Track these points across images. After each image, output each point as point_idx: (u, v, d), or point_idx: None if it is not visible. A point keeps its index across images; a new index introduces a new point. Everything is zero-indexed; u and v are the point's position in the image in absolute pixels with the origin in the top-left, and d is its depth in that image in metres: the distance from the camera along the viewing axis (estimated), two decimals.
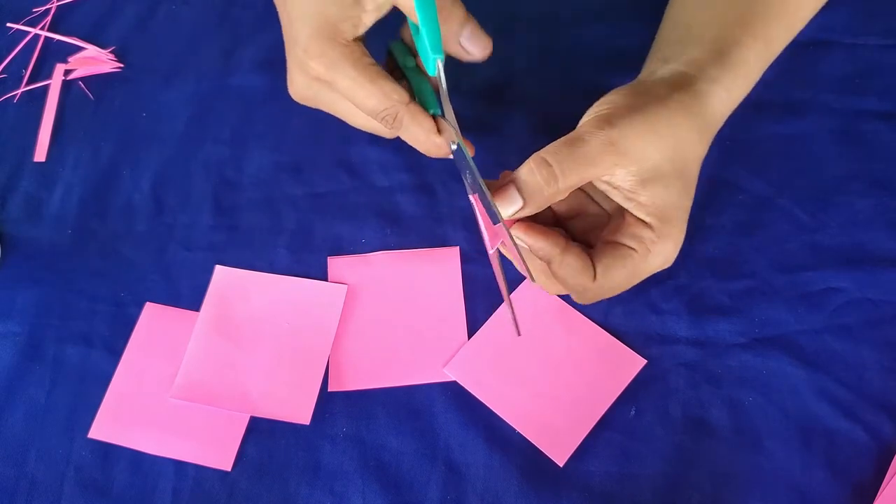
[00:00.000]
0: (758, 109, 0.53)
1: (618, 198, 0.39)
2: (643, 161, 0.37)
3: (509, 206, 0.37)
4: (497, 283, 0.39)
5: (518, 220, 0.38)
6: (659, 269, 0.40)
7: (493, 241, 0.37)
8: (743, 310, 0.46)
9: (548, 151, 0.37)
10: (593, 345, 0.45)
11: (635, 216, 0.39)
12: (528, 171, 0.37)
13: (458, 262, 0.48)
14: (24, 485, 0.43)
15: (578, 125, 0.39)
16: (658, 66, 0.43)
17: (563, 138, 0.38)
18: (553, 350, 0.45)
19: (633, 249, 0.38)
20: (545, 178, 0.37)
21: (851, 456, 0.42)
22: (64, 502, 0.42)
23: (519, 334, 0.39)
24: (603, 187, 0.40)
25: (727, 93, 0.42)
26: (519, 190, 0.37)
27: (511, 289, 0.47)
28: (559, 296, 0.47)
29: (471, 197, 0.38)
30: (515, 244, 0.36)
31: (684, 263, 0.48)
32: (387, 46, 0.44)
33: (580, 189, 0.41)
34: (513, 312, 0.39)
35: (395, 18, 0.42)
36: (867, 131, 0.52)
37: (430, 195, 0.51)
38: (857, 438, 0.42)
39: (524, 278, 0.47)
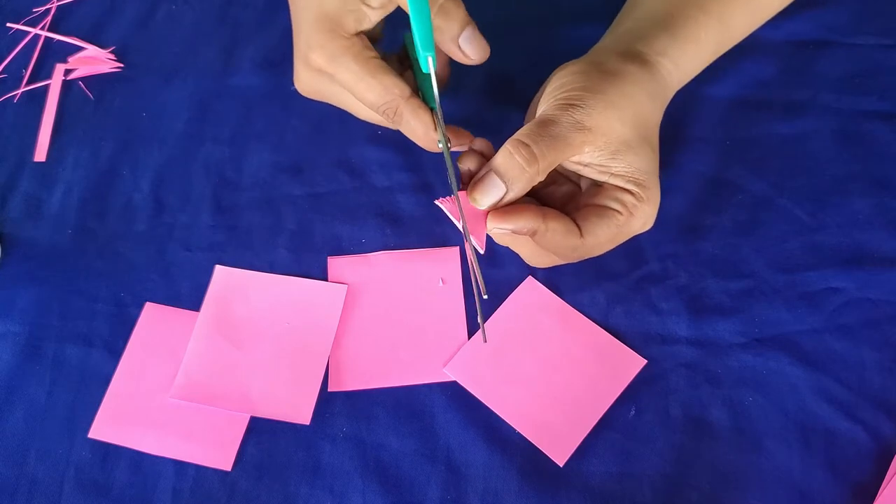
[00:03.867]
0: (758, 109, 0.53)
1: (592, 174, 0.40)
2: (609, 135, 0.39)
3: (493, 194, 0.37)
4: (472, 287, 0.39)
5: (494, 210, 0.38)
6: (639, 232, 0.41)
7: (481, 241, 0.37)
8: (743, 310, 0.46)
9: (522, 134, 0.38)
10: (593, 345, 0.45)
11: (613, 185, 0.40)
12: (507, 155, 0.37)
13: (458, 262, 0.48)
14: (24, 485, 0.43)
15: (541, 111, 0.40)
16: (610, 40, 0.45)
17: (532, 122, 0.39)
18: (553, 350, 0.45)
19: (618, 211, 0.40)
20: (525, 158, 0.37)
21: (851, 456, 0.42)
22: (64, 502, 0.42)
23: (485, 341, 0.41)
24: (574, 168, 0.41)
25: (674, 65, 0.44)
26: (500, 176, 0.37)
27: (510, 289, 0.47)
28: (559, 296, 0.47)
29: (437, 202, 0.38)
30: (476, 257, 0.36)
31: (684, 263, 0.48)
32: (402, 37, 0.44)
33: None
34: (483, 321, 0.39)
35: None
36: (867, 131, 0.52)
37: (430, 195, 0.51)
38: (857, 438, 0.42)
39: (522, 278, 0.48)
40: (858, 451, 0.42)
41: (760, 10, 0.49)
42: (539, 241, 0.39)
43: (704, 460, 0.42)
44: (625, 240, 0.41)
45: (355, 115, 0.44)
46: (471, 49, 0.40)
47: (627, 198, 0.40)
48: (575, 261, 0.42)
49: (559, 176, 0.43)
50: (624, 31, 0.45)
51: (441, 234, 0.50)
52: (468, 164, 0.39)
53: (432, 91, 0.40)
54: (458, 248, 0.49)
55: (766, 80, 0.54)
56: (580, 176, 0.42)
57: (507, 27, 0.57)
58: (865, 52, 0.55)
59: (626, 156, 0.39)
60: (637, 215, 0.40)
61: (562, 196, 0.43)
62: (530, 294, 0.47)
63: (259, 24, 0.59)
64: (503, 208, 0.38)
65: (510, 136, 0.38)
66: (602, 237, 0.40)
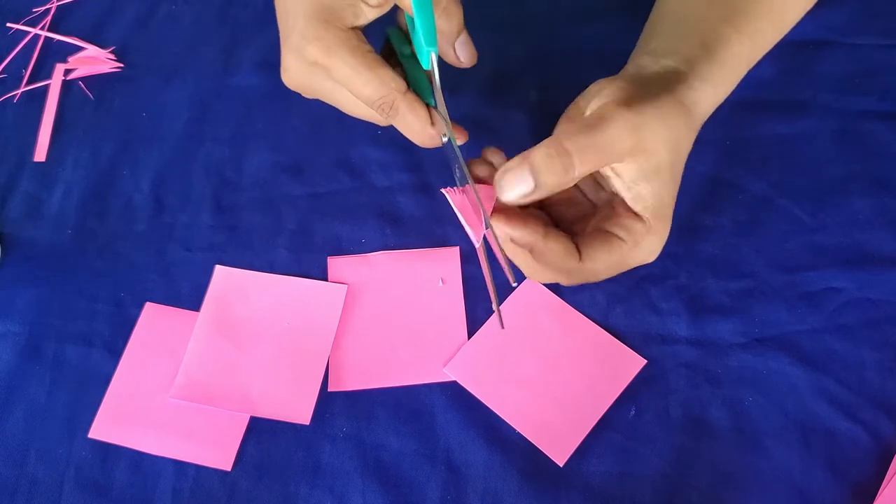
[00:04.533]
0: (758, 109, 0.53)
1: (618, 185, 0.39)
2: (652, 155, 0.38)
3: (519, 189, 0.37)
4: (484, 276, 0.39)
5: (499, 209, 0.38)
6: (643, 263, 0.41)
7: (478, 235, 0.37)
8: (743, 310, 0.46)
9: (568, 137, 0.36)
10: (593, 345, 0.45)
11: (629, 208, 0.39)
12: (546, 157, 0.36)
13: (458, 262, 0.48)
14: (24, 485, 0.43)
15: (595, 108, 0.39)
16: (648, 59, 0.44)
17: (582, 123, 0.37)
18: (553, 350, 0.45)
19: (623, 240, 0.39)
20: (564, 166, 0.36)
21: (851, 456, 0.42)
22: (64, 502, 0.42)
23: (503, 327, 0.40)
24: (606, 172, 0.40)
25: (714, 90, 0.43)
26: (533, 173, 0.36)
27: (510, 288, 0.47)
28: (559, 296, 0.47)
29: (443, 191, 0.38)
30: (499, 243, 0.36)
31: (684, 263, 0.48)
32: (384, 32, 0.44)
33: None
34: (497, 306, 0.39)
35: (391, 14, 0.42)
36: (867, 131, 0.52)
37: (430, 195, 0.51)
38: (857, 438, 0.42)
39: (522, 278, 0.47)
40: (858, 451, 0.42)
41: (785, 22, 0.48)
42: (536, 258, 0.39)
43: (704, 460, 0.42)
44: (627, 269, 0.40)
45: (343, 109, 0.43)
46: (463, 53, 0.40)
47: (637, 226, 0.39)
48: (573, 284, 0.41)
49: (577, 191, 0.43)
50: (660, 51, 0.44)
51: (441, 234, 0.50)
52: (479, 172, 0.39)
53: (429, 87, 0.40)
54: (458, 248, 0.49)
55: (766, 80, 0.54)
56: (600, 193, 0.42)
57: (507, 26, 0.57)
58: (865, 52, 0.55)
59: (654, 182, 0.38)
60: (643, 245, 0.39)
61: (575, 215, 0.42)
62: (530, 294, 0.47)
63: (259, 24, 0.59)
64: (509, 210, 0.38)
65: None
66: (602, 264, 0.39)
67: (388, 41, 0.43)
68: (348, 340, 0.46)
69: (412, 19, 0.37)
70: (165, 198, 0.52)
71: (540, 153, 0.36)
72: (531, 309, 0.47)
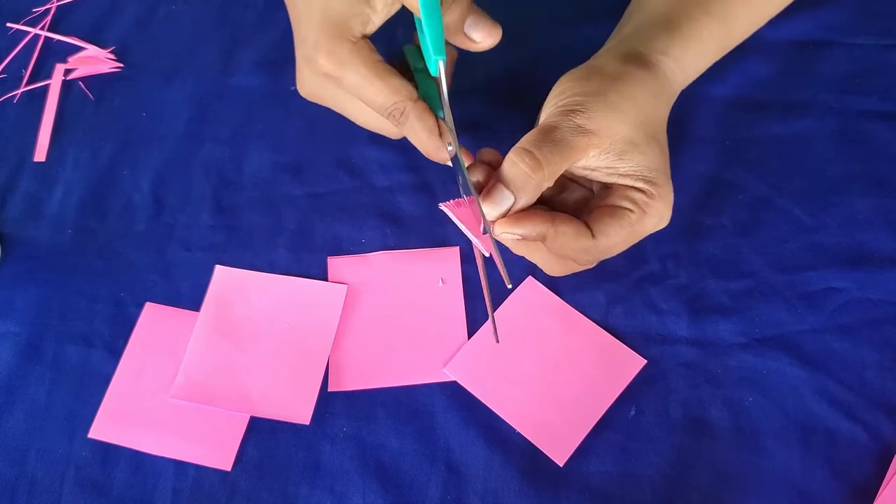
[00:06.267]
0: (758, 109, 0.53)
1: (601, 177, 0.41)
2: (613, 136, 0.39)
3: (501, 204, 0.37)
4: (482, 289, 0.39)
5: (503, 217, 0.38)
6: (655, 230, 0.41)
7: (487, 245, 0.37)
8: (743, 310, 0.46)
9: (525, 141, 0.38)
10: (593, 345, 0.45)
11: (623, 185, 0.40)
12: (511, 164, 0.38)
13: (458, 262, 0.48)
14: (24, 485, 0.43)
15: (543, 119, 0.40)
16: (612, 44, 0.46)
17: (534, 130, 0.39)
18: (553, 350, 0.45)
19: (629, 210, 0.40)
20: (530, 166, 0.37)
21: (851, 456, 0.42)
22: (64, 502, 0.42)
23: (497, 341, 0.41)
24: (582, 173, 0.41)
25: (677, 64, 0.44)
26: (506, 185, 0.37)
27: (508, 292, 0.47)
28: (559, 296, 0.47)
29: (442, 207, 0.38)
30: (495, 247, 0.37)
31: (684, 263, 0.48)
32: (399, 49, 0.44)
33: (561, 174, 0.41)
34: (494, 319, 0.39)
35: (405, 24, 0.42)
36: (867, 131, 0.52)
37: (430, 195, 0.51)
38: (857, 438, 0.42)
39: (522, 278, 0.47)
40: (858, 451, 0.42)
41: (762, 9, 0.49)
42: (550, 246, 0.39)
43: (704, 460, 0.42)
44: (640, 238, 0.41)
45: (354, 120, 0.44)
46: (478, 34, 0.39)
47: (639, 196, 0.40)
48: (592, 265, 0.42)
49: (570, 182, 0.43)
50: (625, 35, 0.46)
51: (441, 234, 0.50)
52: (477, 176, 0.39)
53: (438, 98, 0.40)
54: (458, 248, 0.49)
55: (766, 80, 0.54)
56: (591, 180, 0.42)
57: (507, 28, 0.57)
58: (865, 52, 0.55)
59: (632, 155, 0.39)
60: (650, 213, 0.40)
61: (575, 202, 0.43)
62: (530, 294, 0.47)
63: (259, 24, 0.59)
64: (512, 215, 0.38)
65: (517, 136, 0.38)
66: (615, 237, 0.39)
67: (402, 57, 0.43)
68: (348, 340, 0.46)
69: (422, 27, 0.37)
70: (165, 198, 0.52)
71: (505, 164, 0.38)
72: (531, 309, 0.47)
